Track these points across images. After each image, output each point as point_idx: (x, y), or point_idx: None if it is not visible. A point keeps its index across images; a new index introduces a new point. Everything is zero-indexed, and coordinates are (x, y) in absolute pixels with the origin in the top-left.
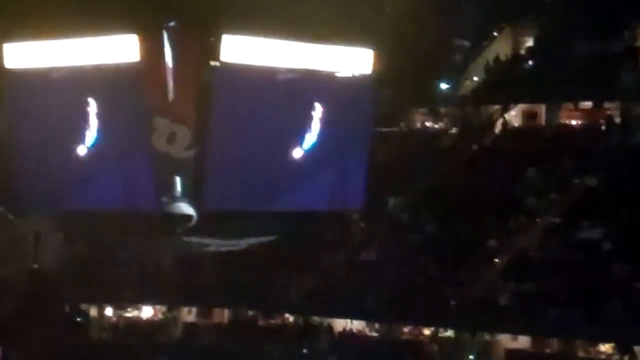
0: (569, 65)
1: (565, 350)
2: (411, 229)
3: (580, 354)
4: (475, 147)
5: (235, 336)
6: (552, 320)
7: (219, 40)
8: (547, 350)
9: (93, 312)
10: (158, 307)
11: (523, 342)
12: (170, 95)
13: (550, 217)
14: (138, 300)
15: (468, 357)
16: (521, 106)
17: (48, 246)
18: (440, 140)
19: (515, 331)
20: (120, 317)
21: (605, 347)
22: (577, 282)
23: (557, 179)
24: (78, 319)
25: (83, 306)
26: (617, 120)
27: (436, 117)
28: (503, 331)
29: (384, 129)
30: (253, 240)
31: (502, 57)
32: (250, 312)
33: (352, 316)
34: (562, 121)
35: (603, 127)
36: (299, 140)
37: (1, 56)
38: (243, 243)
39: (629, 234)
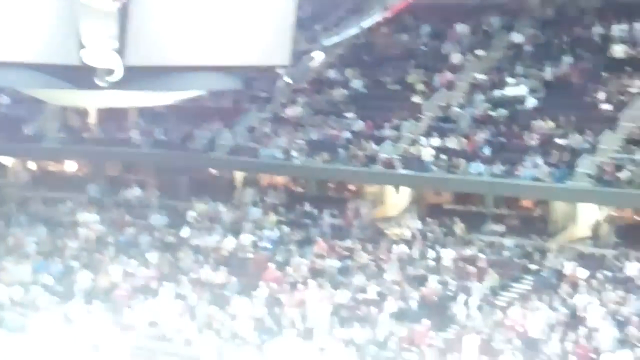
0: None
1: (487, 205)
2: (337, 84)
3: (498, 210)
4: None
5: (159, 190)
6: (475, 175)
7: None
8: (470, 206)
9: (16, 165)
10: (82, 161)
11: (446, 197)
12: None
13: (476, 73)
14: (61, 154)
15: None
16: None
17: None
18: None
19: (438, 187)
20: (43, 170)
21: (527, 203)
22: (500, 138)
23: (483, 35)
24: None
25: (3, 159)
26: None
27: None
28: (426, 187)
29: None
30: (179, 95)
31: None
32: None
33: (277, 170)
34: None
35: None
36: None
37: None
38: (169, 97)
39: (552, 90)
